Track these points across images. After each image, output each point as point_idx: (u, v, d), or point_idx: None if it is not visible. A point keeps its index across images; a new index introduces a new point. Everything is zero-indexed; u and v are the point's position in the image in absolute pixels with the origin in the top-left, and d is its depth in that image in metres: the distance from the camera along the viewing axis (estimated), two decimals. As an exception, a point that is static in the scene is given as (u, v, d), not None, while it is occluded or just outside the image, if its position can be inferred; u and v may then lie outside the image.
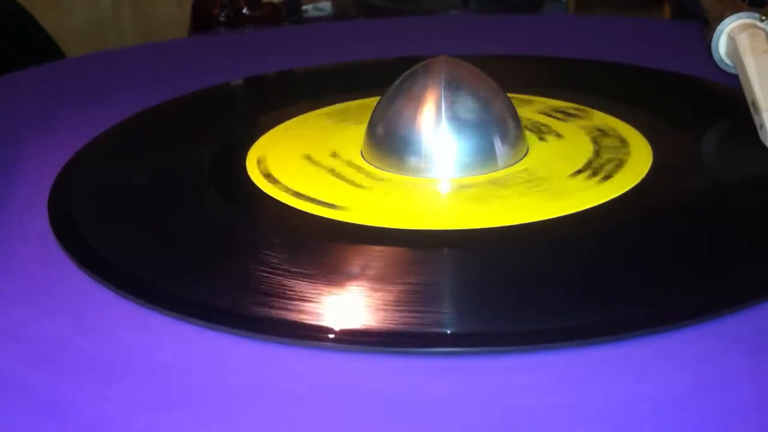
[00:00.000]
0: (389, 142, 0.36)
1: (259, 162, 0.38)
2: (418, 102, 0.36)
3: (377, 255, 0.30)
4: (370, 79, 0.51)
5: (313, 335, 0.25)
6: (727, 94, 0.44)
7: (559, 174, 0.35)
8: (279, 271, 0.29)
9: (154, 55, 0.62)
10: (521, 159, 0.37)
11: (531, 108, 0.43)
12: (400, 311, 0.26)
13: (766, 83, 0.38)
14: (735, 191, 0.35)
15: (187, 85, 0.50)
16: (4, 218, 0.36)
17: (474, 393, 0.23)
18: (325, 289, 0.28)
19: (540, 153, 0.38)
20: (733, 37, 0.43)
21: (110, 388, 0.24)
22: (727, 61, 0.44)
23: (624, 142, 0.38)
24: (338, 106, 0.45)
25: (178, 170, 0.39)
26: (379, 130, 0.37)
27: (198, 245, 0.32)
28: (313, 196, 0.34)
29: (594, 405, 0.22)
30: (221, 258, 0.31)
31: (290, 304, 0.27)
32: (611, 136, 0.39)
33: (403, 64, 0.39)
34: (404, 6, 1.12)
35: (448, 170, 0.35)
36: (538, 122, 0.41)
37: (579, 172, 0.36)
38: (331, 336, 0.25)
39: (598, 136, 0.39)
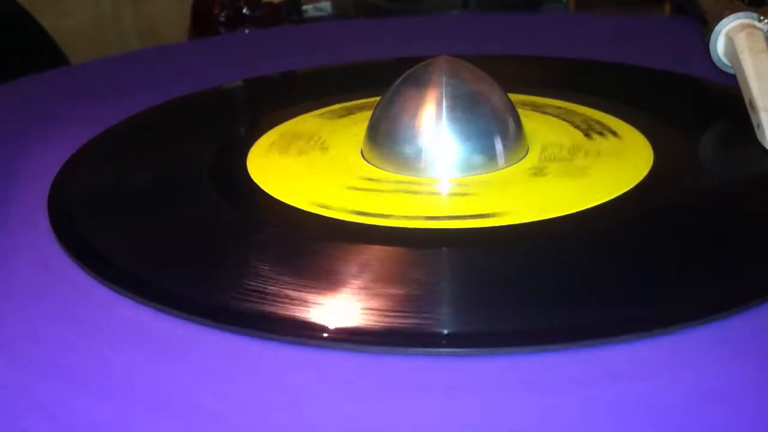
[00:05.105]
0: (389, 142, 0.36)
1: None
2: (418, 102, 0.36)
3: (376, 254, 0.30)
4: (370, 79, 0.51)
5: (312, 334, 0.26)
6: (726, 93, 0.44)
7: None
8: (279, 271, 0.29)
9: (153, 59, 0.62)
10: (522, 159, 0.37)
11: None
12: (400, 310, 0.26)
13: (763, 83, 0.38)
14: (734, 190, 0.35)
15: (186, 87, 0.51)
16: (5, 218, 0.36)
17: (473, 392, 0.23)
18: (324, 288, 0.28)
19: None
20: (731, 37, 0.43)
21: (110, 388, 0.24)
22: (725, 60, 0.44)
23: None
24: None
25: (177, 170, 0.39)
26: (380, 129, 0.37)
27: (198, 244, 0.32)
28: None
29: (595, 404, 0.23)
30: (221, 257, 0.31)
31: (290, 302, 0.27)
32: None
33: (403, 64, 0.39)
34: (404, 6, 1.12)
35: (449, 170, 0.36)
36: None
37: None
38: (329, 335, 0.26)
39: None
